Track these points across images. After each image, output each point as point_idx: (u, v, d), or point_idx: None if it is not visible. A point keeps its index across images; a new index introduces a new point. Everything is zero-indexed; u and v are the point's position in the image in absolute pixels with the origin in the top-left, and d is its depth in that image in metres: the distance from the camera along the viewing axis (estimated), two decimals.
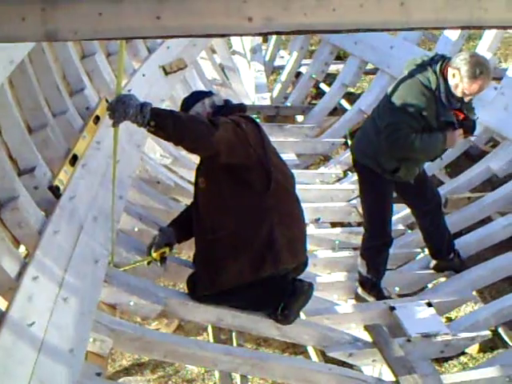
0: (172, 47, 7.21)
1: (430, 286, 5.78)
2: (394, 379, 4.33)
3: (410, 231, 6.29)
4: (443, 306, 5.18)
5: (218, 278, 4.25)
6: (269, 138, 4.53)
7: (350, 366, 4.62)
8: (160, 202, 5.67)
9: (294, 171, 4.85)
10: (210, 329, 4.98)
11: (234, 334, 4.81)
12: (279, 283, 4.33)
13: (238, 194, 4.20)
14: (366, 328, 4.79)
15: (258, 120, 4.79)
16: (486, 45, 7.32)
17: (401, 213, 6.23)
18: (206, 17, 2.54)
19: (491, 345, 5.32)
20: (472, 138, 5.75)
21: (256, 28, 2.58)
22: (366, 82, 9.89)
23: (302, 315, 4.63)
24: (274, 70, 10.19)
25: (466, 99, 4.80)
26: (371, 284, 5.31)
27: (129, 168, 5.40)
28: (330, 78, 9.17)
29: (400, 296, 5.51)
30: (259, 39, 9.60)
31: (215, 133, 3.89)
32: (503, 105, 6.74)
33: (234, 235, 4.19)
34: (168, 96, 6.95)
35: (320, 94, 9.46)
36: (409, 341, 4.63)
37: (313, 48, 10.16)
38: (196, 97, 4.56)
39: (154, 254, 4.43)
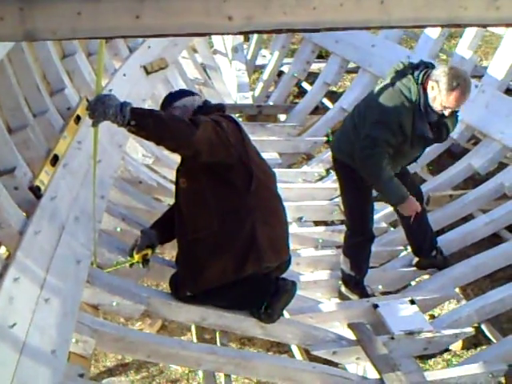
0: (153, 47, 7.17)
1: (413, 283, 5.80)
2: (378, 377, 4.34)
3: (392, 229, 6.31)
4: (426, 303, 5.20)
5: (201, 277, 4.24)
6: (249, 137, 4.53)
7: (335, 364, 4.63)
8: (142, 201, 5.65)
9: (277, 170, 4.86)
10: (193, 328, 4.97)
11: (217, 333, 4.80)
12: (262, 282, 4.33)
13: (220, 194, 4.19)
14: (350, 326, 4.81)
15: (239, 119, 4.78)
16: (467, 43, 7.37)
17: (383, 211, 6.24)
18: (185, 16, 2.54)
19: (474, 341, 5.36)
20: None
21: (236, 27, 2.58)
22: (348, 80, 9.91)
23: (286, 314, 4.63)
24: (255, 69, 10.17)
25: (447, 113, 4.80)
26: (354, 282, 5.32)
27: (110, 168, 5.37)
28: (311, 77, 9.17)
29: (383, 294, 5.53)
30: (240, 38, 9.56)
31: (196, 132, 3.88)
32: (484, 102, 6.79)
33: (216, 234, 4.18)
34: (149, 96, 6.92)
35: (302, 92, 9.46)
36: (392, 338, 4.65)
37: (294, 47, 10.15)
38: (184, 93, 4.56)
39: (136, 256, 4.42)
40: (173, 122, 3.93)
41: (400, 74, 4.84)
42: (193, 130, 3.88)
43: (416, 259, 5.66)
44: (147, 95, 6.85)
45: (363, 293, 5.29)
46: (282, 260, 4.47)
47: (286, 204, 4.65)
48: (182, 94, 4.58)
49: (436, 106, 4.70)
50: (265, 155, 4.72)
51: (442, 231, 6.07)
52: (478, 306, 5.17)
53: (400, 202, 4.93)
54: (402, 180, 5.13)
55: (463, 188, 6.73)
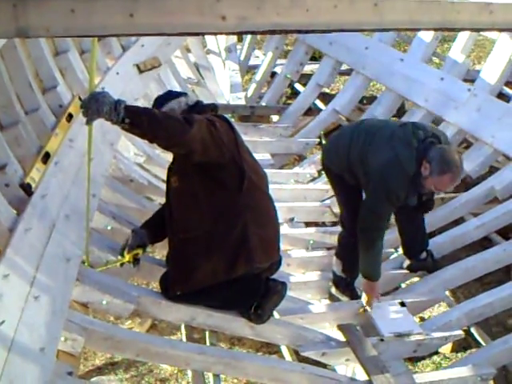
0: (146, 45, 7.17)
1: (403, 285, 5.81)
2: (367, 378, 4.35)
3: None
4: (416, 305, 5.20)
5: (191, 277, 4.23)
6: (242, 137, 4.53)
7: (324, 366, 4.63)
8: (133, 200, 5.63)
9: (269, 171, 4.85)
10: (183, 328, 4.97)
11: (207, 333, 4.79)
12: (252, 282, 4.33)
13: (211, 193, 4.19)
14: (340, 327, 4.80)
15: (232, 119, 4.78)
16: (460, 47, 7.40)
17: None
18: (179, 15, 2.54)
19: (464, 344, 5.39)
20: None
21: (229, 27, 2.58)
22: (341, 82, 9.92)
23: (276, 314, 4.63)
24: (248, 70, 10.18)
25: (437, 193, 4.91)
26: (345, 284, 5.32)
27: (102, 166, 5.36)
28: (304, 78, 9.16)
29: None
30: (234, 38, 9.58)
31: (190, 130, 3.87)
32: (476, 106, 6.82)
33: (207, 234, 4.18)
34: (142, 94, 6.91)
35: (295, 94, 9.48)
36: (382, 340, 4.64)
37: (288, 48, 10.17)
38: (169, 96, 4.54)
39: (127, 256, 4.40)
40: (167, 120, 3.92)
41: (405, 143, 4.82)
42: (187, 129, 3.87)
43: (407, 262, 5.65)
44: (140, 94, 6.84)
45: (353, 294, 5.29)
46: (273, 261, 4.47)
47: (277, 205, 4.65)
48: (168, 97, 4.49)
49: (427, 185, 4.76)
50: (257, 156, 4.72)
51: (433, 234, 6.08)
52: (467, 308, 5.17)
53: (368, 278, 4.97)
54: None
55: (454, 191, 6.73)
